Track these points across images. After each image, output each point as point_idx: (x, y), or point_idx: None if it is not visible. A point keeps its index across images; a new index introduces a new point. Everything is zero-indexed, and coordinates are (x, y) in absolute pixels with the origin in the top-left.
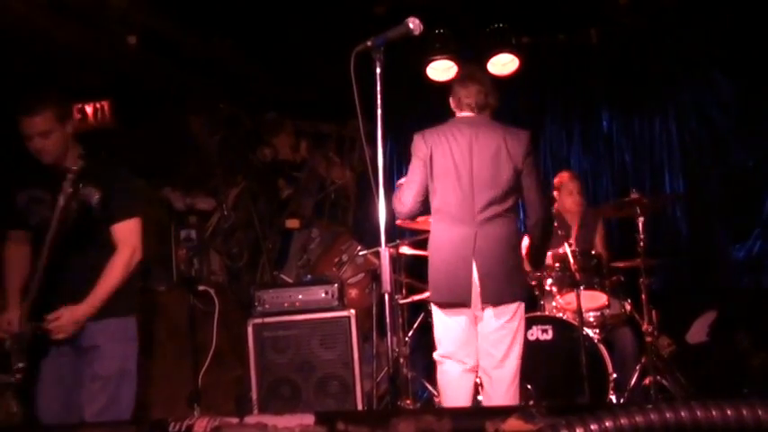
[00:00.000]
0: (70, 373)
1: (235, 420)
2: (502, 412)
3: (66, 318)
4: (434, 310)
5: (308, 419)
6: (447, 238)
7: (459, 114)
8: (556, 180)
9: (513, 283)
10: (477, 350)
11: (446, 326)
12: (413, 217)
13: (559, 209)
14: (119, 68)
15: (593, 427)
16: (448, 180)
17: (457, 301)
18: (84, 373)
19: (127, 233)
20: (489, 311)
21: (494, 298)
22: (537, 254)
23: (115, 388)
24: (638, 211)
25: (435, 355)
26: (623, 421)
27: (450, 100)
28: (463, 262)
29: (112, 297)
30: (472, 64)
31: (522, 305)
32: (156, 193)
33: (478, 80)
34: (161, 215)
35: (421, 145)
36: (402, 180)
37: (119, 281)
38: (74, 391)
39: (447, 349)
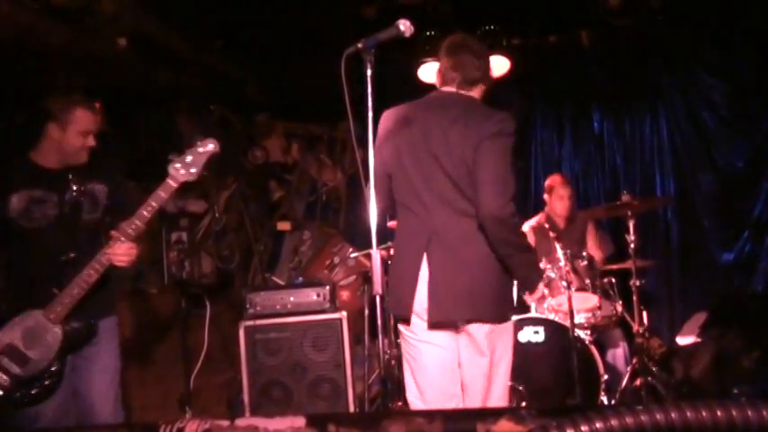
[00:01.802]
0: (69, 375)
1: (226, 423)
2: (493, 414)
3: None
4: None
5: (299, 422)
6: (399, 241)
7: (440, 89)
8: (547, 183)
9: (474, 299)
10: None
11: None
12: (387, 216)
13: (550, 212)
14: (109, 70)
15: (583, 428)
16: (402, 168)
17: (401, 315)
18: (90, 371)
19: None
20: (439, 335)
21: (445, 315)
22: (513, 271)
23: (119, 383)
24: (629, 213)
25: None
26: (614, 422)
27: (436, 72)
28: (410, 272)
29: (112, 296)
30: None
31: (496, 329)
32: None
33: (474, 52)
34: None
35: (382, 125)
36: None
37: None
38: (72, 392)
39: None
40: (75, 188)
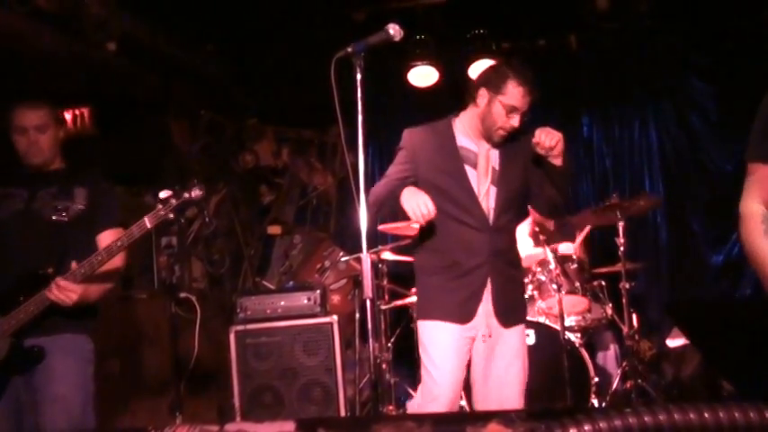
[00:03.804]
0: (25, 395)
1: (215, 428)
2: (482, 417)
3: (76, 292)
4: None
5: (289, 426)
6: None
7: None
8: None
9: None
10: None
11: None
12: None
13: None
14: (98, 75)
15: (572, 431)
16: None
17: None
18: (40, 396)
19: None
20: None
21: None
22: None
23: (80, 411)
24: (619, 215)
25: None
26: (602, 425)
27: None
28: None
29: (83, 313)
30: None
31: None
32: (137, 201)
33: None
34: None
35: None
36: None
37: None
38: (28, 415)
39: None
40: (50, 188)
